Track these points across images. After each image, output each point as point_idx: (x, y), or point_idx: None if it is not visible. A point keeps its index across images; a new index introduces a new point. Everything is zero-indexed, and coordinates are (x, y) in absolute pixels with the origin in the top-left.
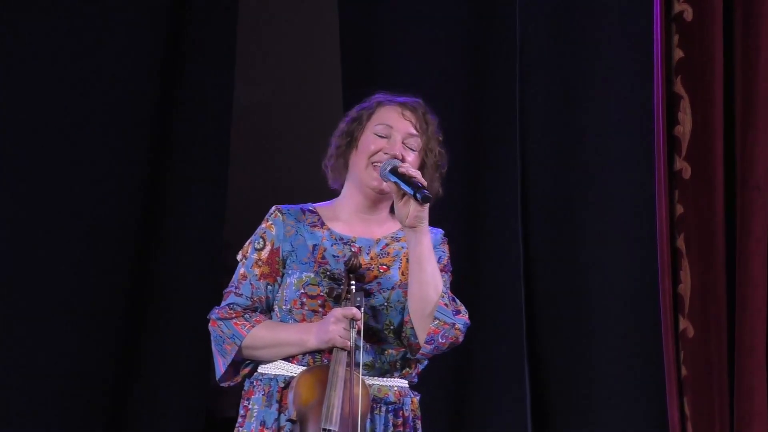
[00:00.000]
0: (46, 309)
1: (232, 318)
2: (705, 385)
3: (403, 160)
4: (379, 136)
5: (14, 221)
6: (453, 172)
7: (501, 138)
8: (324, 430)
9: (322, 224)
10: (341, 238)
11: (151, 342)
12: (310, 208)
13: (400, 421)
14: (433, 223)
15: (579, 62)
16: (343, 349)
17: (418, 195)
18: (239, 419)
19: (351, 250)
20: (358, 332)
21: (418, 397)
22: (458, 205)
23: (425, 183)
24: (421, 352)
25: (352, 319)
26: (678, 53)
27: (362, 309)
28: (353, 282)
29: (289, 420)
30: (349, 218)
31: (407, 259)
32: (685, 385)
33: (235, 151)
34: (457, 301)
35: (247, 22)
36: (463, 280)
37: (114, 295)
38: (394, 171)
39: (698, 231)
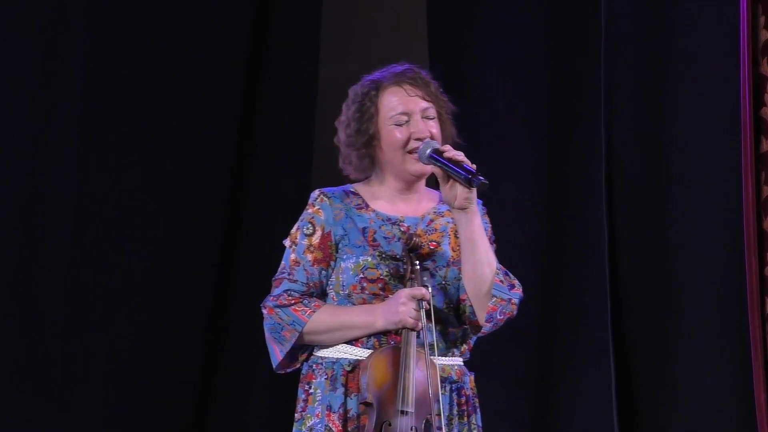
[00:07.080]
0: (138, 284)
1: (291, 305)
2: None
3: (432, 137)
4: (399, 125)
5: (111, 203)
6: (537, 153)
7: (586, 117)
8: (401, 411)
9: (367, 206)
10: (388, 219)
11: (239, 313)
12: (352, 189)
13: (463, 399)
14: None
15: (666, 41)
16: (413, 329)
17: (474, 181)
18: (300, 404)
19: (400, 230)
20: (427, 312)
21: (474, 375)
22: (543, 186)
23: (474, 166)
24: (482, 330)
25: (421, 299)
26: (764, 35)
27: (430, 288)
28: (417, 262)
29: (364, 403)
30: (390, 198)
31: (455, 233)
32: None
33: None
34: (510, 274)
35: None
36: (548, 262)
37: (204, 269)
38: (438, 155)
39: None
